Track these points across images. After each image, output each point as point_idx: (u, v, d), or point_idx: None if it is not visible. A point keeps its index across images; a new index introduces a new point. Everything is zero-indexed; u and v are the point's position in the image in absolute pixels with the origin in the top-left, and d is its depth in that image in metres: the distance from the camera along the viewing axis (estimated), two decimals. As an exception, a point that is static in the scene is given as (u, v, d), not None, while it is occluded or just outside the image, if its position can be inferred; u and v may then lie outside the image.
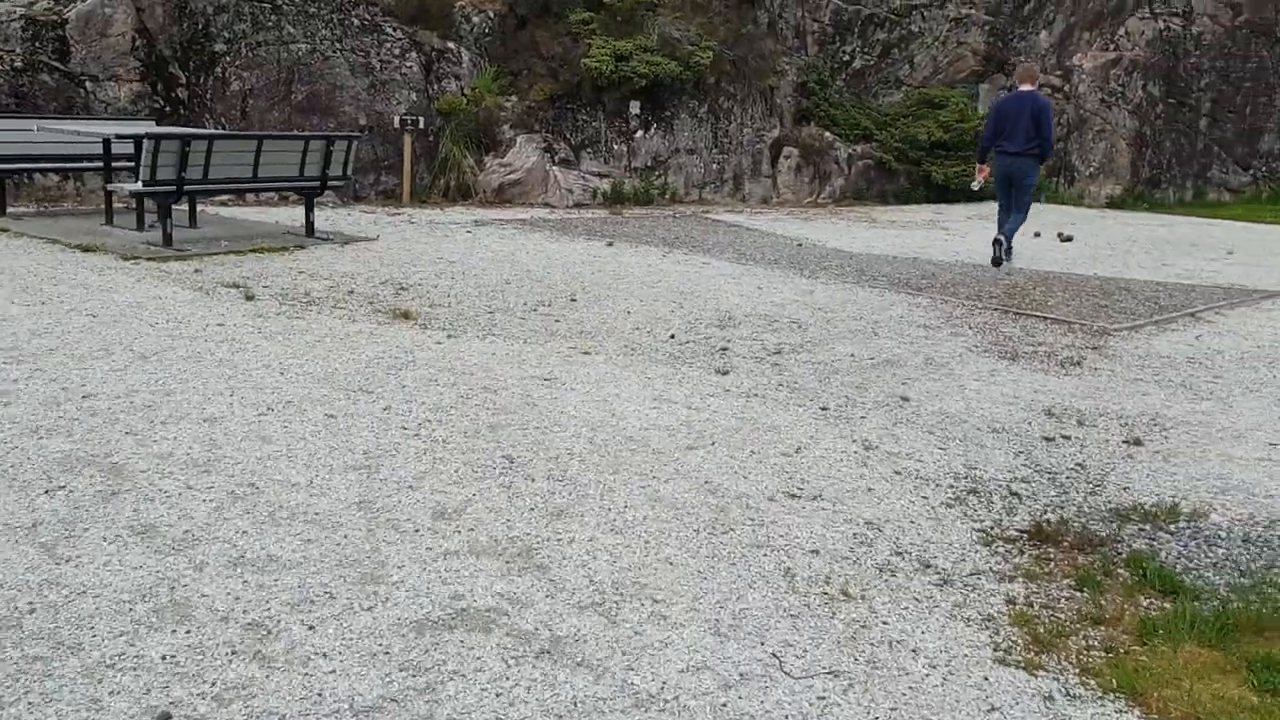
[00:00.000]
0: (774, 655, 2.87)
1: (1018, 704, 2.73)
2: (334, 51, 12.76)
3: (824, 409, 5.24)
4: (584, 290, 7.94)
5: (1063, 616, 3.22)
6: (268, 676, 2.61)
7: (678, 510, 3.83)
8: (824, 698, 2.68)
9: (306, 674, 2.63)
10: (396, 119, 12.94)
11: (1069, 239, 12.74)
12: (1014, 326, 7.54)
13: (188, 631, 2.79)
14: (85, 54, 11.35)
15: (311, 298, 7.10)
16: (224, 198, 11.25)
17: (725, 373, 5.83)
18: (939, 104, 17.54)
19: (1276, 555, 3.75)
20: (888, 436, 4.86)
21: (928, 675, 2.83)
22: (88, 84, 11.37)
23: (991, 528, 3.89)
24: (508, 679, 2.67)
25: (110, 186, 9.51)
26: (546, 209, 13.54)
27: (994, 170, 10.72)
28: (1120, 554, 3.70)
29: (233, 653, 2.71)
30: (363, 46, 13.01)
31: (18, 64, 10.93)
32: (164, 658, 2.66)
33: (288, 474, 3.92)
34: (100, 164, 9.59)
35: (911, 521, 3.89)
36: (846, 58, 18.02)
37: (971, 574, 3.49)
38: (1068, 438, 5.01)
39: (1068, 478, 4.47)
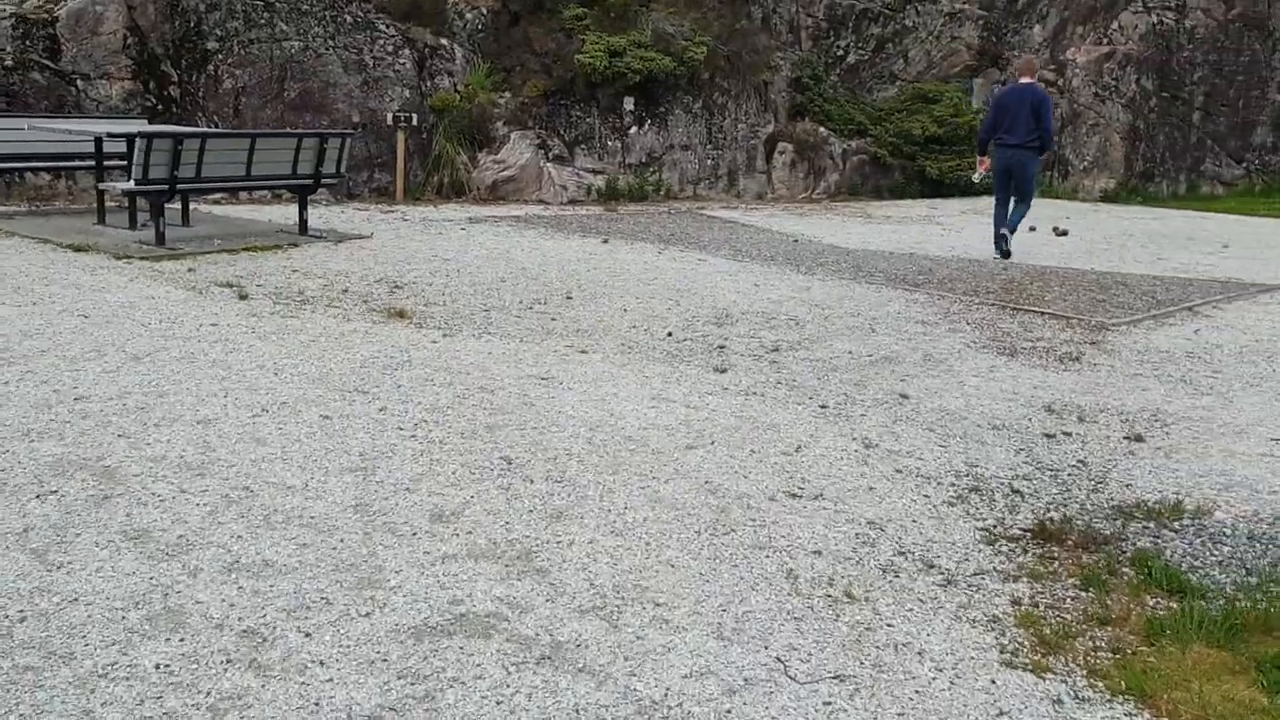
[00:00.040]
0: (778, 659, 2.83)
1: (1026, 708, 2.69)
2: (327, 49, 12.68)
3: (823, 407, 5.20)
4: (580, 288, 7.89)
5: (1069, 617, 3.18)
6: (264, 686, 2.56)
7: (678, 511, 3.79)
8: (830, 703, 2.64)
9: (303, 683, 2.58)
10: (390, 116, 12.87)
11: (1064, 233, 12.72)
12: (1012, 322, 7.51)
13: (182, 639, 2.74)
14: (76, 52, 11.27)
15: (306, 297, 7.04)
16: (217, 196, 11.18)
17: (723, 371, 5.79)
18: (933, 99, 17.52)
19: (1282, 553, 3.72)
20: (888, 434, 4.83)
21: (935, 679, 2.79)
22: (79, 82, 11.28)
23: (994, 526, 3.85)
24: (508, 686, 2.63)
25: (102, 185, 9.43)
26: (541, 206, 13.49)
27: (993, 162, 10.69)
28: (1125, 552, 3.66)
29: (228, 661, 2.66)
30: (355, 43, 12.93)
31: (8, 63, 10.84)
32: (158, 667, 2.61)
33: (283, 477, 3.87)
34: (92, 163, 9.51)
35: (914, 521, 3.86)
36: (841, 53, 17.97)
37: (975, 574, 3.45)
38: (1069, 434, 4.97)
39: (1070, 475, 4.43)
